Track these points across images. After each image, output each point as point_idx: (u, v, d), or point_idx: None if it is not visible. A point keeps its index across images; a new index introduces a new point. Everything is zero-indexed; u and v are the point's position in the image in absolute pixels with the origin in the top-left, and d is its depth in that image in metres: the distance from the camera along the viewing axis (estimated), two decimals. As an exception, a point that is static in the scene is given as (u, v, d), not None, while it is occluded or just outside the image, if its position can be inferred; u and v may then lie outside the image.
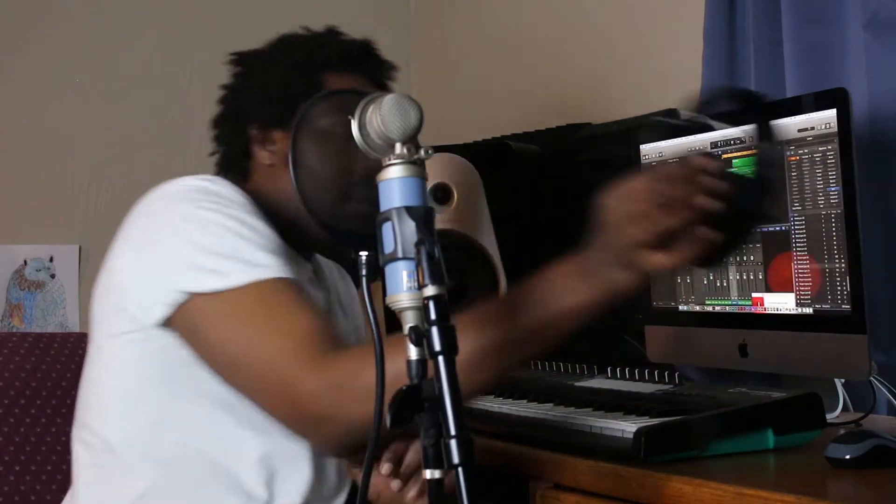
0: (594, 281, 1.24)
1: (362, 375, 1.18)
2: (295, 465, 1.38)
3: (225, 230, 1.31)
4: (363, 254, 1.13)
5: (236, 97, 1.54)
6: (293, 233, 1.43)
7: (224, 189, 1.37)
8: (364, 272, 1.11)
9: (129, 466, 1.36)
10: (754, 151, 1.03)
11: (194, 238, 1.31)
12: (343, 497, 1.49)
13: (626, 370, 1.76)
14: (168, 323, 1.32)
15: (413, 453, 1.41)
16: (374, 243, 1.06)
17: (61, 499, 1.49)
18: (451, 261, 1.52)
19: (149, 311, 1.32)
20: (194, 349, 1.32)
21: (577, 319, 1.26)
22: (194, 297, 1.29)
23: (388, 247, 1.02)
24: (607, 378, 1.78)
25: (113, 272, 1.39)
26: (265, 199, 1.43)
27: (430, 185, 1.79)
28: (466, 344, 1.04)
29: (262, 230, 1.33)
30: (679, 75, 2.30)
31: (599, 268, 1.24)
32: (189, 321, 1.31)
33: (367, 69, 1.52)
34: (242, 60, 1.55)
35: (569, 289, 1.24)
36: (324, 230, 1.30)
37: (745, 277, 1.76)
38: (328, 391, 1.22)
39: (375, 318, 1.07)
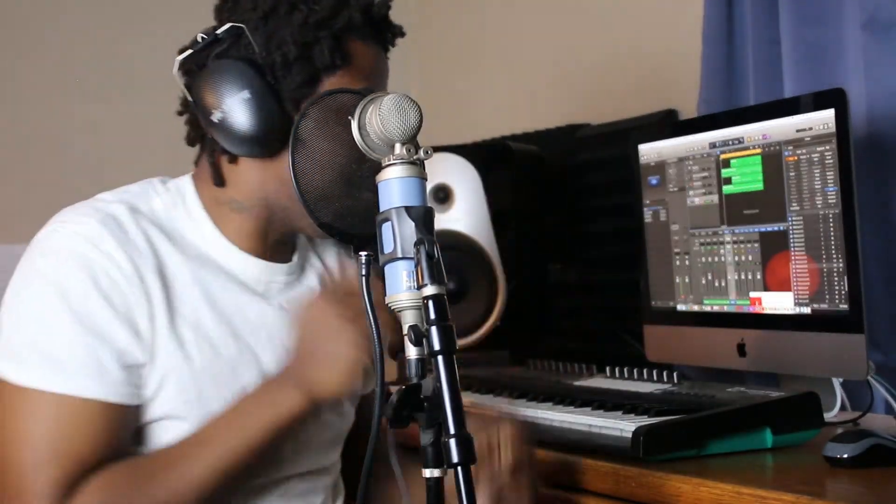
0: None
1: None
2: None
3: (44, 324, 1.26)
4: (363, 254, 1.13)
5: (239, 47, 1.35)
6: (280, 223, 1.38)
7: (102, 245, 1.31)
8: (364, 272, 1.11)
9: None
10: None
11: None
12: None
13: (625, 370, 1.77)
14: None
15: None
16: (373, 242, 1.07)
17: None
18: (450, 261, 1.53)
19: None
20: None
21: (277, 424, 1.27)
22: None
23: (388, 247, 1.02)
24: (606, 378, 1.78)
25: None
26: (252, 182, 1.36)
27: (430, 185, 1.79)
28: None
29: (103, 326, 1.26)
30: (679, 75, 2.30)
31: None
32: None
33: (384, 35, 1.40)
34: (246, 3, 1.36)
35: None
36: (323, 229, 1.30)
37: (743, 277, 1.76)
38: None
39: (375, 317, 1.08)
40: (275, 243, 1.41)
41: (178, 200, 1.40)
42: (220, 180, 1.38)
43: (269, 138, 1.30)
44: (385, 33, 1.40)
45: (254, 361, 1.35)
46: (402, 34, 1.43)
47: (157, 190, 1.42)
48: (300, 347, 1.26)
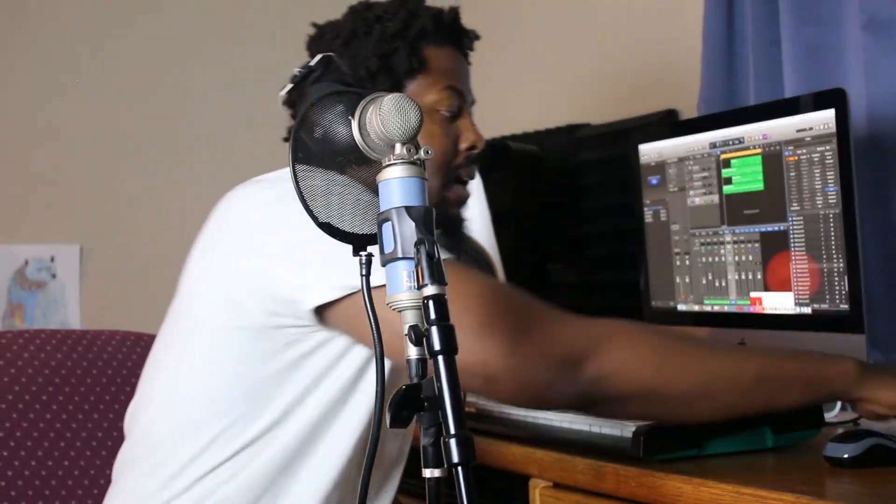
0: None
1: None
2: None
3: None
4: (363, 253, 1.13)
5: (331, 72, 1.48)
6: None
7: None
8: (364, 272, 1.11)
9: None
10: None
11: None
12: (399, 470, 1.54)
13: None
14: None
15: None
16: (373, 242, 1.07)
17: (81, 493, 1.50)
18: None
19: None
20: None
21: (799, 406, 1.40)
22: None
23: (388, 246, 1.02)
24: (606, 377, 1.78)
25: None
26: None
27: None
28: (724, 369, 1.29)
29: None
30: (679, 75, 2.31)
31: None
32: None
33: (458, 39, 1.54)
34: (328, 31, 1.52)
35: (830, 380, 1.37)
36: (323, 229, 1.30)
37: (743, 277, 1.76)
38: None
39: (375, 318, 1.08)
40: None
41: None
42: None
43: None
44: (459, 38, 1.54)
45: None
46: (477, 37, 1.57)
47: None
48: None
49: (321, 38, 1.52)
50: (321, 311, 1.33)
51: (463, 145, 1.51)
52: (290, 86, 1.47)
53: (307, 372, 1.38)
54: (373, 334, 1.06)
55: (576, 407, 1.36)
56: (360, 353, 1.38)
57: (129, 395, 1.77)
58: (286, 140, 1.50)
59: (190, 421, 1.40)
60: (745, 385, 1.35)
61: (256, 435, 1.38)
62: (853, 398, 1.39)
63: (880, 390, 1.37)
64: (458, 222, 1.51)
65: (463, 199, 1.53)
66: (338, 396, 1.39)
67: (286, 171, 1.36)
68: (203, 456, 1.39)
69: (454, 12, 1.55)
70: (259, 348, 1.37)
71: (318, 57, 1.46)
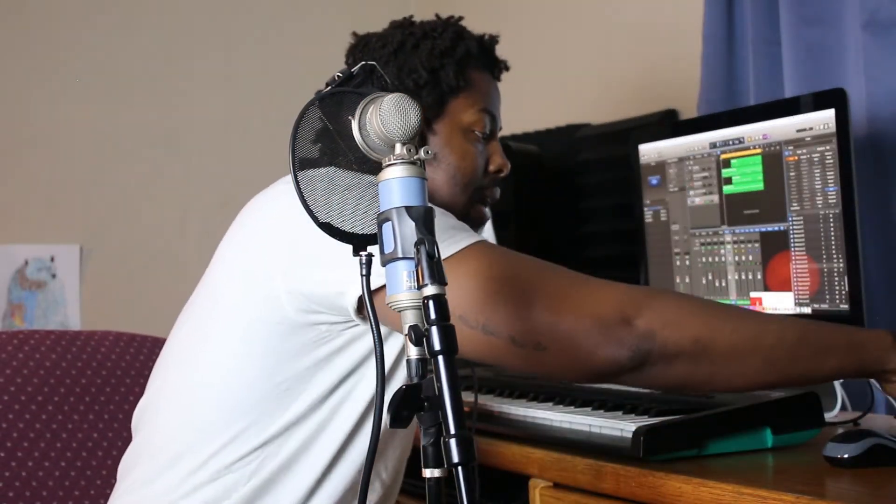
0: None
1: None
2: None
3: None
4: (363, 254, 1.13)
5: (373, 80, 1.53)
6: None
7: None
8: (364, 272, 1.11)
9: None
10: None
11: None
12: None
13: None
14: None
15: None
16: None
17: (82, 495, 1.49)
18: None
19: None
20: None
21: (836, 375, 1.43)
22: None
23: (388, 246, 1.02)
24: (606, 377, 1.78)
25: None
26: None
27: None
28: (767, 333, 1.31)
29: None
30: (679, 75, 2.31)
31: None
32: None
33: (495, 66, 1.62)
34: (374, 41, 1.57)
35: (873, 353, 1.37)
36: (323, 228, 1.30)
37: (743, 277, 1.76)
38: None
39: (376, 318, 1.08)
40: None
41: None
42: None
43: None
44: (496, 64, 1.62)
45: None
46: (507, 68, 1.65)
47: None
48: None
49: (366, 46, 1.57)
50: (361, 305, 1.33)
51: (492, 167, 1.57)
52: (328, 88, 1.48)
53: (333, 370, 1.38)
54: (373, 334, 1.06)
55: (628, 370, 1.31)
56: (389, 351, 1.39)
57: (125, 396, 1.77)
58: (314, 142, 1.51)
59: (213, 418, 1.40)
60: (790, 343, 1.34)
61: (279, 430, 1.39)
62: (889, 368, 1.37)
63: None
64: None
65: (483, 220, 1.57)
66: (367, 397, 1.40)
67: (311, 171, 1.38)
68: (226, 450, 1.39)
69: (494, 41, 1.63)
70: (290, 344, 1.37)
71: (361, 64, 1.47)
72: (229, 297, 1.41)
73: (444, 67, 1.53)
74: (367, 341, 1.37)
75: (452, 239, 1.30)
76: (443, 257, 1.21)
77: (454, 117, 1.54)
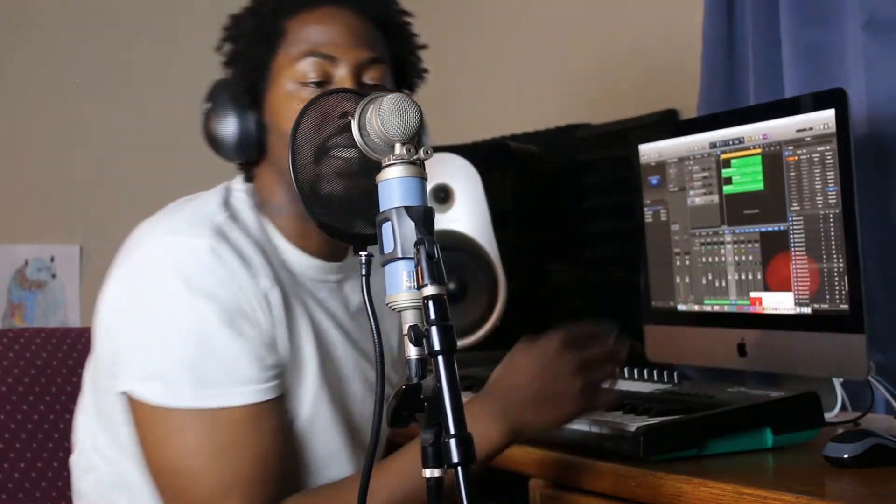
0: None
1: None
2: None
3: (196, 339, 1.27)
4: (363, 254, 1.13)
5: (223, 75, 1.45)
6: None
7: (233, 239, 1.32)
8: (364, 272, 1.11)
9: None
10: None
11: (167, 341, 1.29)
12: None
13: (626, 369, 1.77)
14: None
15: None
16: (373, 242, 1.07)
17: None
18: (450, 261, 1.52)
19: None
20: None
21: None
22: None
23: (388, 247, 1.02)
24: (606, 377, 1.78)
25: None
26: (274, 184, 1.40)
27: (430, 185, 1.79)
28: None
29: (248, 329, 1.29)
30: (678, 75, 2.30)
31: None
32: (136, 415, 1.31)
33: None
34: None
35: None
36: (323, 229, 1.30)
37: (743, 277, 1.76)
38: None
39: (375, 318, 1.08)
40: (320, 239, 1.41)
41: (251, 206, 1.42)
42: (254, 190, 1.43)
43: (245, 142, 1.38)
44: None
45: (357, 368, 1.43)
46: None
47: (241, 196, 1.43)
48: (523, 384, 1.29)
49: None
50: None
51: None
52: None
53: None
54: (373, 333, 1.07)
55: None
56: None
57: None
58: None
59: None
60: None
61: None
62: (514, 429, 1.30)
63: None
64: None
65: (343, 169, 1.25)
66: None
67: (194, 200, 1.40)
68: None
69: None
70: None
71: (215, 81, 1.44)
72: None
73: (243, 34, 1.39)
74: None
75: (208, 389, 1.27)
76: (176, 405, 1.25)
77: (279, 80, 1.36)
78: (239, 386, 1.27)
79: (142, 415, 1.29)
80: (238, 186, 1.45)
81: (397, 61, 1.43)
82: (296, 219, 1.39)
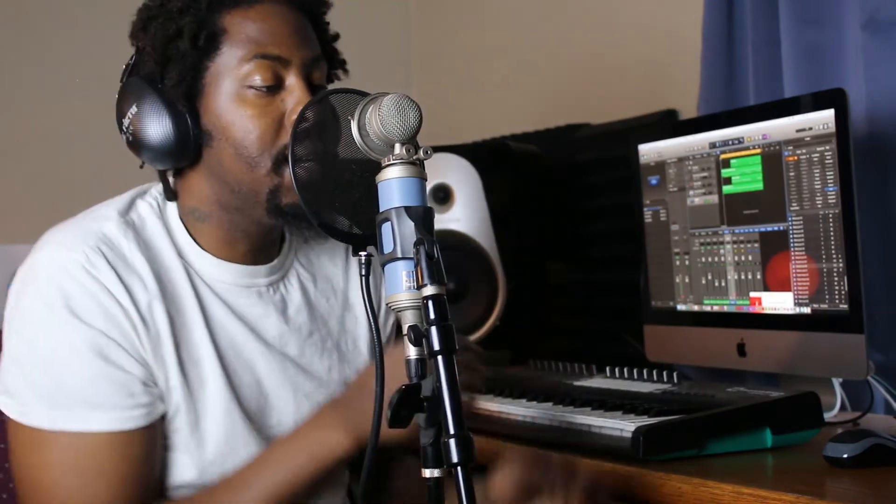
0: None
1: None
2: None
3: (53, 362, 1.26)
4: (362, 254, 1.13)
5: (134, 77, 1.39)
6: (242, 223, 1.37)
7: (117, 250, 1.30)
8: (363, 272, 1.11)
9: None
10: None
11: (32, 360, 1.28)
12: None
13: (626, 370, 1.77)
14: None
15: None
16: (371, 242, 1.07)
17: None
18: (450, 261, 1.52)
19: None
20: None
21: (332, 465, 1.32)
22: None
23: (388, 247, 1.02)
24: (606, 377, 1.78)
25: None
26: (201, 189, 1.36)
27: (430, 185, 1.79)
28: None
29: (116, 358, 1.27)
30: (678, 75, 2.31)
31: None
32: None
33: None
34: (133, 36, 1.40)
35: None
36: (323, 229, 1.30)
37: (743, 277, 1.76)
38: None
39: (376, 318, 1.08)
40: (249, 246, 1.40)
41: (159, 214, 1.40)
42: (171, 194, 1.41)
43: (178, 146, 1.33)
44: None
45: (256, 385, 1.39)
46: None
47: (150, 203, 1.42)
48: (368, 392, 1.26)
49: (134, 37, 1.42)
50: None
51: (292, 118, 1.29)
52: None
53: None
54: (373, 333, 1.07)
55: None
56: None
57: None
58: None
59: None
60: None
61: None
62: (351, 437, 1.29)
63: None
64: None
65: (301, 181, 1.17)
66: None
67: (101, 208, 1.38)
68: None
69: None
70: None
71: (124, 81, 1.41)
72: None
73: (182, 32, 1.28)
74: None
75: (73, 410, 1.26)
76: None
77: (220, 81, 1.30)
78: (97, 412, 1.25)
79: (9, 424, 1.30)
80: (152, 191, 1.42)
81: (325, 54, 1.39)
82: (223, 225, 1.37)
